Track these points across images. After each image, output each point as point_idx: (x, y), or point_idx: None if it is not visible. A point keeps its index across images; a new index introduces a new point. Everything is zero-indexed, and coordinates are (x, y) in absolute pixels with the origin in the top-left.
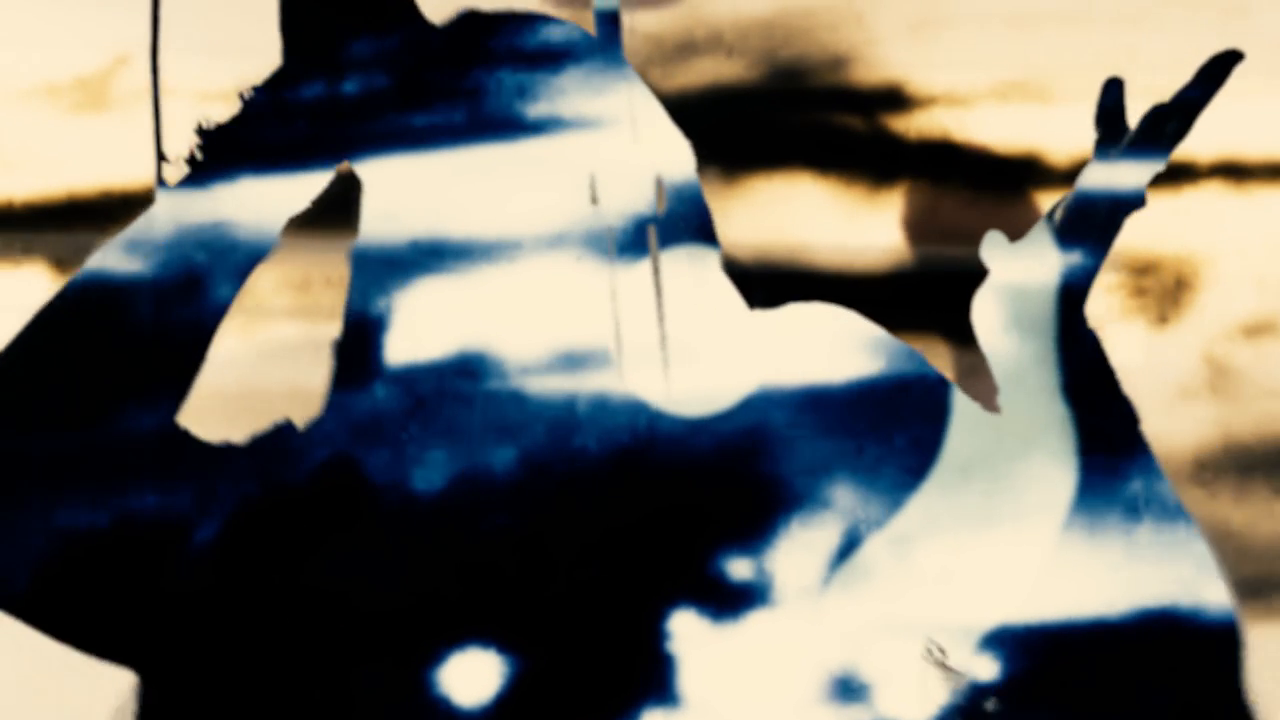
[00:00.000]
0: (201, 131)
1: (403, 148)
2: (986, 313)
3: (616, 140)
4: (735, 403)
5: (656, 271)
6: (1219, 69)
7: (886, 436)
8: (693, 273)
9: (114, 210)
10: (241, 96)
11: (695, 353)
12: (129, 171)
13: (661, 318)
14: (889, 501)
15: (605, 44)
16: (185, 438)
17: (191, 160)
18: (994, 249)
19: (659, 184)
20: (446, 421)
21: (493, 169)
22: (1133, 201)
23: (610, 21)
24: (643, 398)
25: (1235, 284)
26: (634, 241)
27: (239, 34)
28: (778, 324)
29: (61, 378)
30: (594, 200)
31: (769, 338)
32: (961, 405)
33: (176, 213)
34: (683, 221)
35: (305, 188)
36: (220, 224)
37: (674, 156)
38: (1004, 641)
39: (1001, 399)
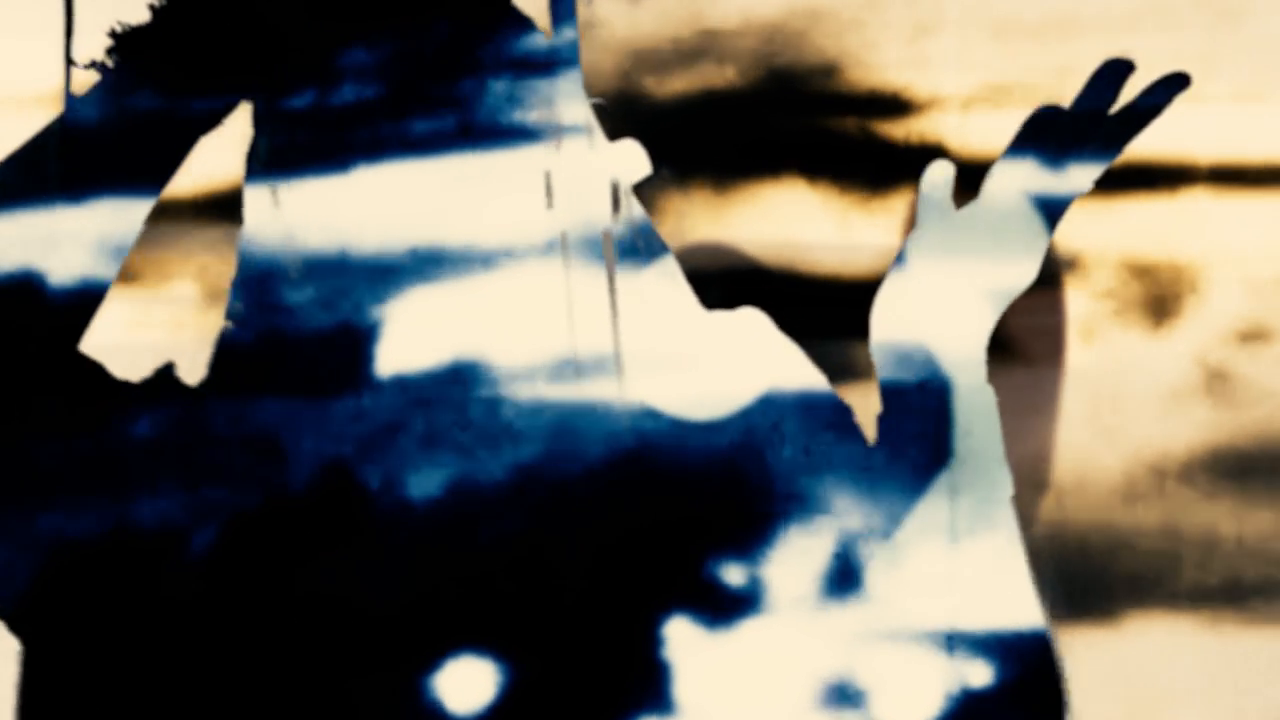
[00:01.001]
0: (114, 35)
1: (396, 155)
2: (986, 321)
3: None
4: (735, 410)
5: (612, 279)
6: (1171, 85)
7: (884, 442)
8: (674, 280)
9: None
10: (151, 7)
11: (692, 359)
12: None
13: (616, 325)
14: (885, 508)
15: (559, 25)
16: (182, 444)
17: (102, 67)
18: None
19: (614, 191)
20: (441, 430)
21: (487, 176)
22: (1061, 206)
23: (567, 8)
24: (638, 404)
25: (1231, 289)
26: (629, 247)
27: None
28: (772, 329)
29: (59, 384)
30: (549, 204)
31: (765, 343)
32: (959, 411)
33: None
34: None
35: (302, 194)
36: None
37: (634, 164)
38: (999, 647)
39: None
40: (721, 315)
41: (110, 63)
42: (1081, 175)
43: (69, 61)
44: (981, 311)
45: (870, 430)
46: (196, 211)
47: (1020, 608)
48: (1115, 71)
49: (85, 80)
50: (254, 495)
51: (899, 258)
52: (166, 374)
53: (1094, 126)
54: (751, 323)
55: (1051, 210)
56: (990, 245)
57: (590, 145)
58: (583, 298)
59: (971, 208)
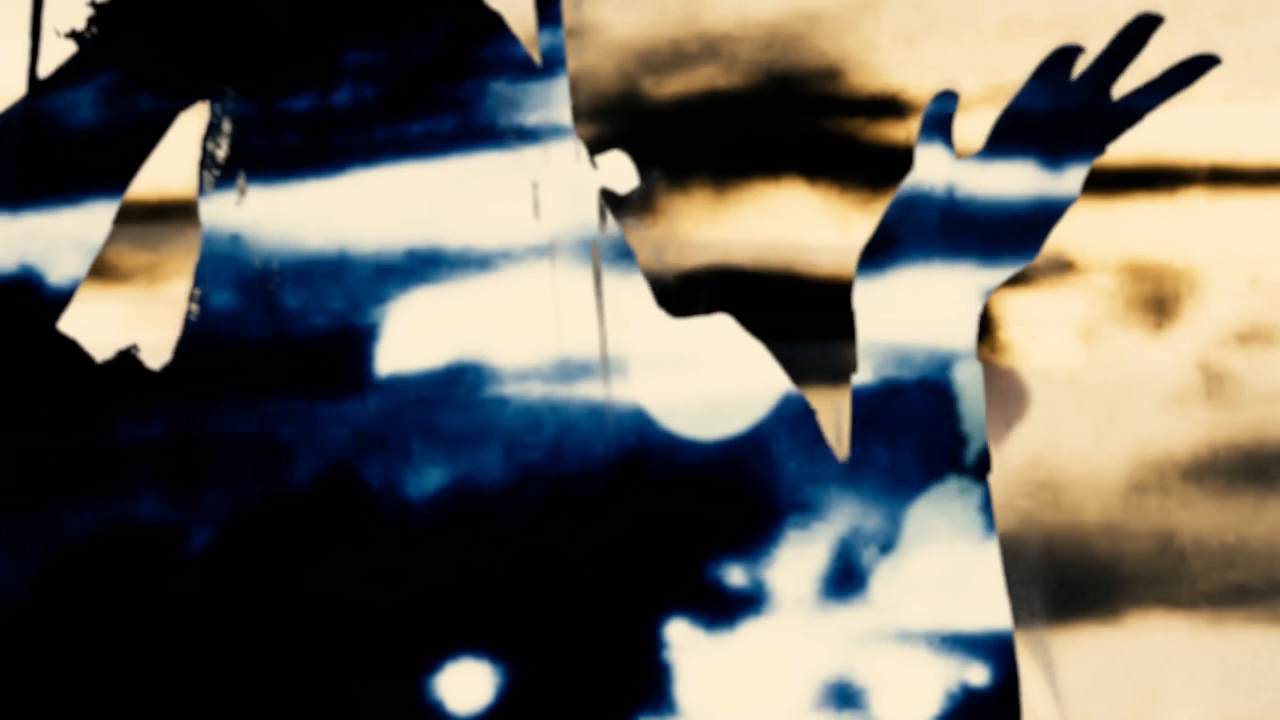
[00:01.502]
0: (94, 4)
1: (396, 157)
2: (976, 311)
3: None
4: (739, 411)
5: (599, 284)
6: (1186, 73)
7: (884, 443)
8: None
9: None
10: None
11: (695, 360)
12: None
13: (611, 326)
14: (886, 509)
15: (544, 29)
16: (180, 443)
17: (80, 37)
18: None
19: (601, 199)
20: (441, 430)
21: (486, 177)
22: (1060, 208)
23: (554, 13)
24: (639, 406)
25: (1230, 290)
26: (624, 249)
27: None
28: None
29: (59, 382)
30: (537, 211)
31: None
32: (963, 407)
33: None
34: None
35: (300, 196)
36: (217, 233)
37: (622, 176)
38: (996, 647)
39: None
40: (697, 320)
41: (89, 33)
42: (1089, 153)
43: (35, 40)
44: (972, 302)
45: (847, 430)
46: (193, 212)
47: (1004, 607)
48: (1144, 25)
49: (57, 54)
50: (256, 496)
51: (884, 239)
52: (165, 374)
53: (1092, 119)
54: (732, 325)
55: (1053, 208)
56: (984, 234)
57: (577, 149)
58: (583, 298)
59: (971, 160)
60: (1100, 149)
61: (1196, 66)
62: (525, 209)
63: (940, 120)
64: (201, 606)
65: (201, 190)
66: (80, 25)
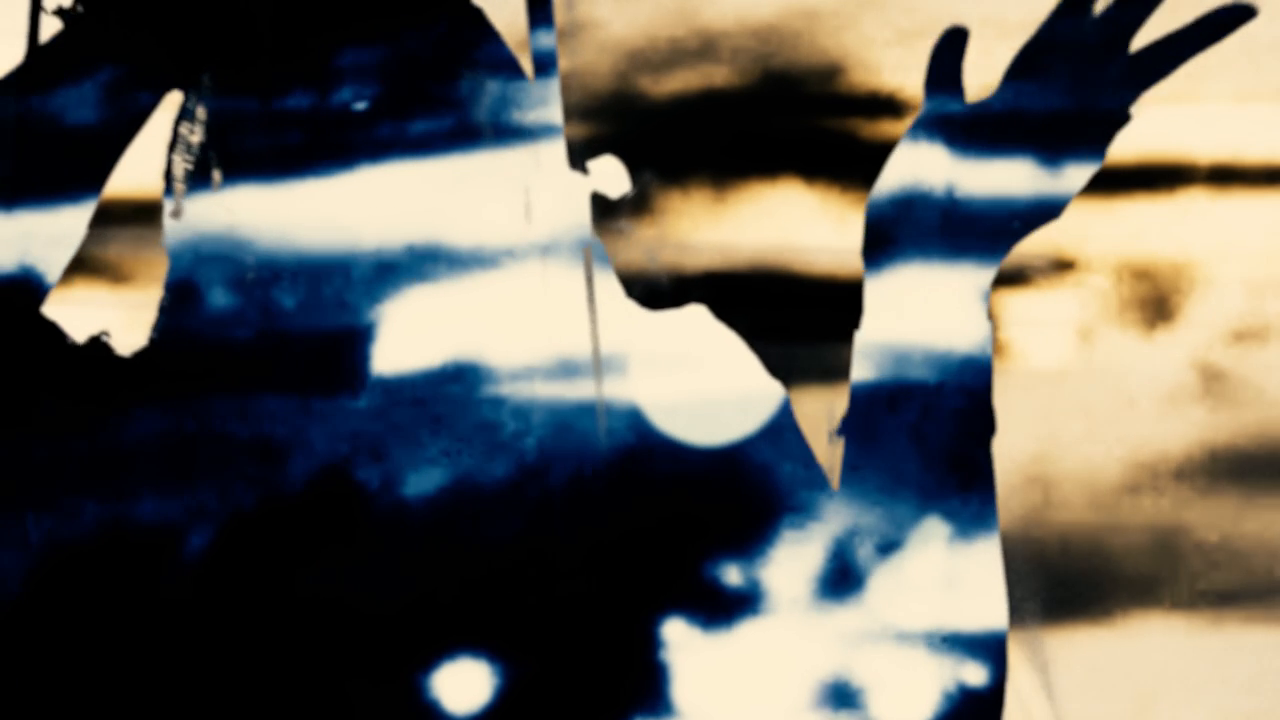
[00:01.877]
0: None
1: (394, 156)
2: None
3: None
4: (742, 410)
5: (591, 285)
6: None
7: (883, 443)
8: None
9: None
10: None
11: (696, 361)
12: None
13: (596, 330)
14: (883, 509)
15: (536, 30)
16: (178, 446)
17: (67, 14)
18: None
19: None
20: (438, 430)
21: (482, 177)
22: (1051, 210)
23: (544, 14)
24: (636, 406)
25: (1229, 289)
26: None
27: None
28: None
29: (58, 382)
30: (528, 216)
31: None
32: (960, 410)
33: (187, 221)
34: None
35: (299, 195)
36: (214, 232)
37: (614, 180)
38: (995, 647)
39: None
40: (696, 321)
41: (76, 10)
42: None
43: (33, 25)
44: (974, 299)
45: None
46: (195, 213)
47: (1002, 607)
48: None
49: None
50: (251, 496)
51: (879, 237)
52: (163, 374)
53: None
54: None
55: (1051, 207)
56: (985, 232)
57: (568, 152)
58: (579, 298)
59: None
60: (1111, 133)
61: (1230, 18)
62: (520, 209)
63: (939, 119)
64: (199, 607)
65: (169, 178)
66: (67, 2)
